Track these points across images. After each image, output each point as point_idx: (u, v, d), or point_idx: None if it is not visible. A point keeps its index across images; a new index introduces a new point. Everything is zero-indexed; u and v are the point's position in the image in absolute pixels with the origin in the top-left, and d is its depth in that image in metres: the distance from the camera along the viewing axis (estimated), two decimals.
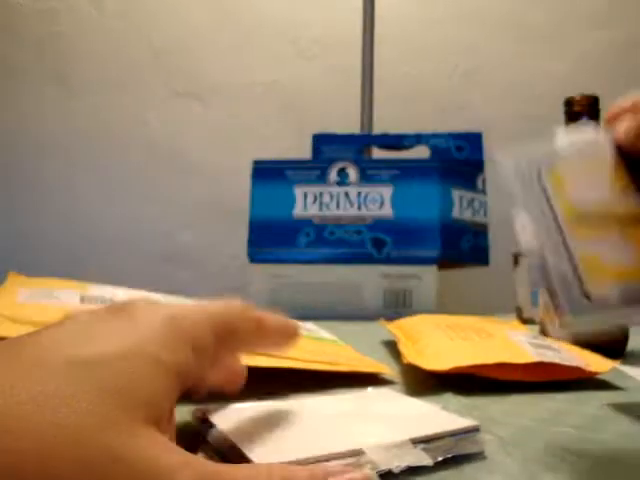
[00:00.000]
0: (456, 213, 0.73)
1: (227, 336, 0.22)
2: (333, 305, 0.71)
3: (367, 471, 0.20)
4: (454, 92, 1.24)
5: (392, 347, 0.49)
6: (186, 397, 0.21)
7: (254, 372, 0.34)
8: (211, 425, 0.24)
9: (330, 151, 0.80)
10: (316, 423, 0.25)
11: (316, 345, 0.43)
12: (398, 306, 0.72)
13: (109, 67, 1.28)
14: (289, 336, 0.26)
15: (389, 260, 0.71)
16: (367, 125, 1.00)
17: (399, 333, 0.46)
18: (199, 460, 0.17)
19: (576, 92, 0.66)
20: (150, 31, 1.27)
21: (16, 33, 1.28)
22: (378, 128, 1.00)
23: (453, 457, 0.24)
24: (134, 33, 1.28)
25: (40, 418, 0.15)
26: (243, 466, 0.18)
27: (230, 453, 0.22)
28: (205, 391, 0.23)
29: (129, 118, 1.28)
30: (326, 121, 1.13)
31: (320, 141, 0.81)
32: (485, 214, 0.76)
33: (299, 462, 0.20)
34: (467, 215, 0.74)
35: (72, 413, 0.15)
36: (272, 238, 0.72)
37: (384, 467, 0.21)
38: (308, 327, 0.49)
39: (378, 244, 0.71)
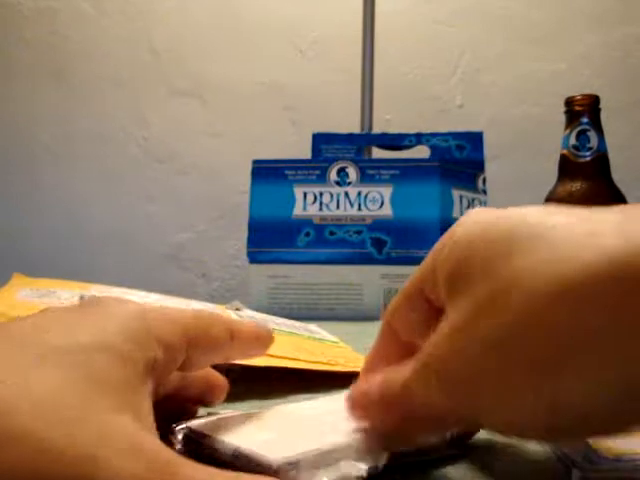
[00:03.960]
0: (456, 213, 0.73)
1: (199, 340, 0.22)
2: (333, 305, 0.71)
3: None
4: (454, 92, 1.24)
5: None
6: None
7: (251, 372, 0.34)
8: (204, 436, 0.22)
9: (330, 151, 0.80)
10: (310, 421, 0.25)
11: (315, 346, 0.42)
12: None
13: (108, 66, 1.28)
14: (263, 344, 0.26)
15: (389, 260, 0.71)
16: (367, 125, 1.00)
17: None
18: (157, 448, 0.17)
19: (576, 92, 0.65)
20: (149, 30, 1.27)
21: (15, 32, 1.28)
22: (378, 128, 1.00)
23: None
24: (133, 32, 1.28)
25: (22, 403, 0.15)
26: (205, 468, 0.17)
27: (237, 461, 0.20)
28: (163, 392, 0.22)
29: (128, 117, 1.28)
30: (326, 121, 1.12)
31: (320, 141, 0.81)
32: None
33: (311, 453, 0.20)
34: None
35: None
36: (272, 238, 0.72)
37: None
38: (310, 328, 0.49)
39: (378, 244, 0.71)
